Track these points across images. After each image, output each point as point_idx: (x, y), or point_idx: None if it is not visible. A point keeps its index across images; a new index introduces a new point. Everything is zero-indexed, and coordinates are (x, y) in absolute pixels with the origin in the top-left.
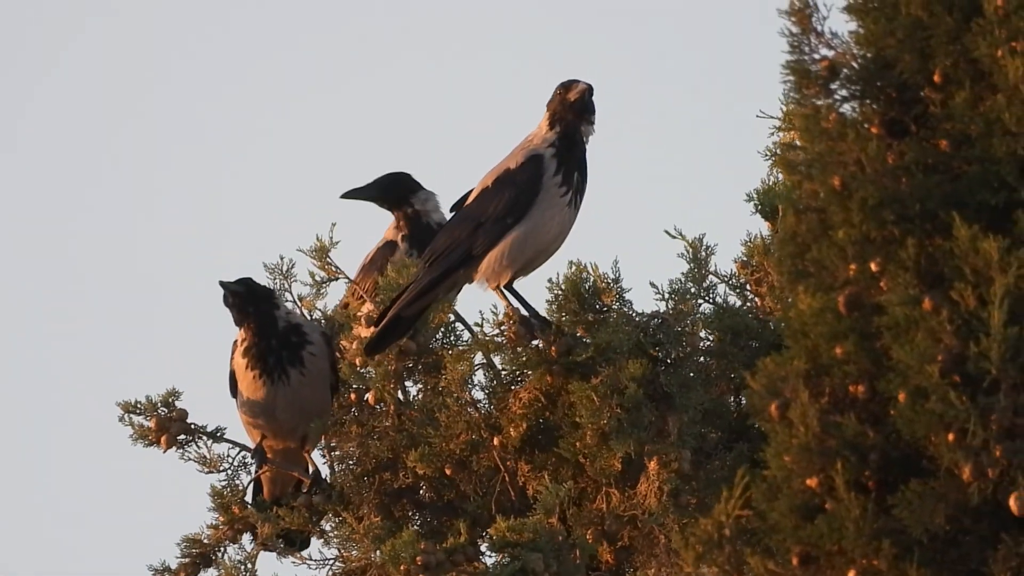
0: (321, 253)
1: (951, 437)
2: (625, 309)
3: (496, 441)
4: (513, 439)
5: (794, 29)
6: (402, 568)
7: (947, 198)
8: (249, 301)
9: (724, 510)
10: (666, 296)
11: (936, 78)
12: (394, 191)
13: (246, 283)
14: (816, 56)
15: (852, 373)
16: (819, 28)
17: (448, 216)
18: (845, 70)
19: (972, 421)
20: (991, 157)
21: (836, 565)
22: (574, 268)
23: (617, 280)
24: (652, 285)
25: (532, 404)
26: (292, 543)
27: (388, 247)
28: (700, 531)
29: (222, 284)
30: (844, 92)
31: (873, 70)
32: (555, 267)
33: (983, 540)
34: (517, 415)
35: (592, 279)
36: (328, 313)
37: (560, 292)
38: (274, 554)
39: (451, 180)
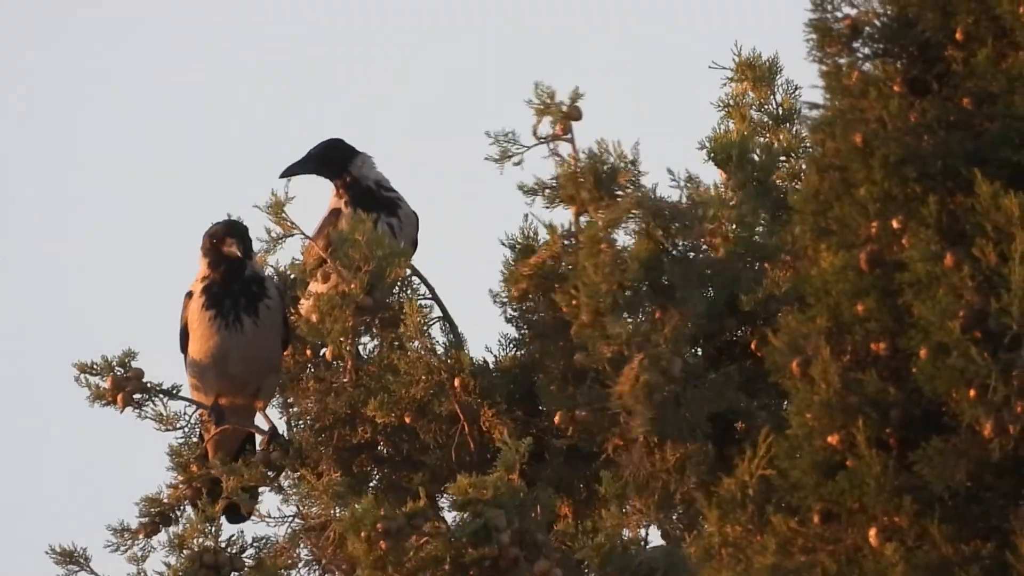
0: (277, 208)
1: (972, 393)
2: (639, 192)
3: (457, 383)
4: (513, 295)
5: None
6: (363, 535)
7: (969, 155)
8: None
9: (748, 469)
10: (681, 184)
11: (958, 36)
12: (330, 161)
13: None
14: (839, 14)
15: (874, 330)
16: None
17: (384, 175)
18: (868, 28)
19: (993, 377)
20: (1013, 114)
21: (857, 522)
22: (596, 146)
23: (635, 162)
24: (669, 172)
25: (540, 267)
26: (235, 512)
27: (334, 215)
28: (723, 490)
29: (229, 224)
30: (866, 50)
31: (895, 28)
32: None
33: (1004, 496)
34: (523, 276)
35: (613, 158)
36: (280, 269)
37: (579, 169)
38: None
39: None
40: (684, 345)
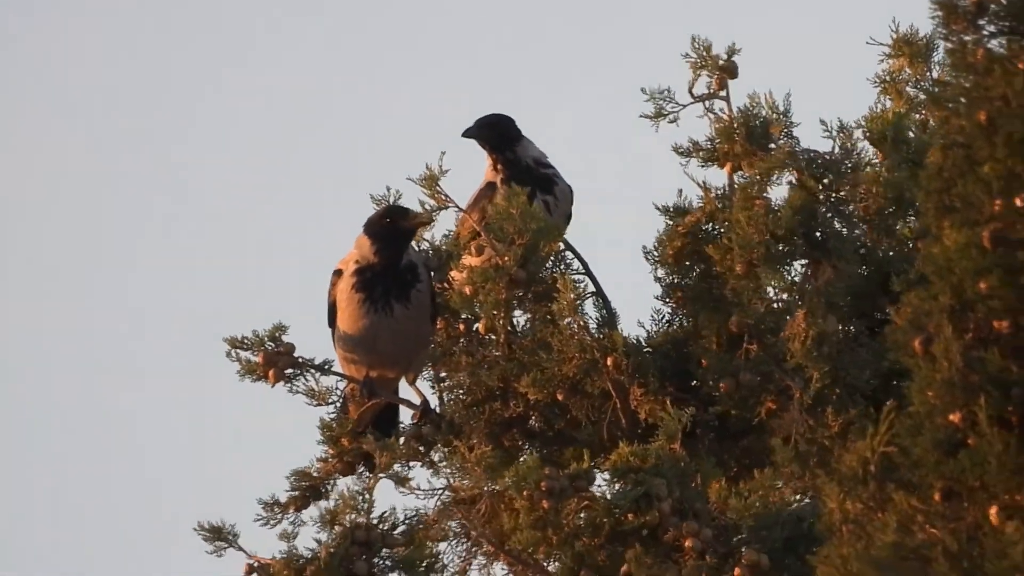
0: (431, 182)
1: None
2: (791, 144)
3: (610, 362)
4: (668, 254)
5: None
6: (525, 494)
7: None
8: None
9: (870, 446)
10: (834, 135)
11: None
12: (500, 135)
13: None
14: None
15: (996, 308)
16: None
17: (541, 151)
18: (993, 6)
19: None
20: None
21: (978, 500)
22: (748, 100)
23: (787, 113)
24: (822, 122)
25: (694, 226)
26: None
27: (489, 188)
28: (845, 467)
29: (407, 210)
30: (992, 28)
31: (1022, 5)
32: None
33: None
34: (678, 234)
35: (765, 110)
36: (435, 244)
37: (733, 124)
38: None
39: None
40: (839, 304)
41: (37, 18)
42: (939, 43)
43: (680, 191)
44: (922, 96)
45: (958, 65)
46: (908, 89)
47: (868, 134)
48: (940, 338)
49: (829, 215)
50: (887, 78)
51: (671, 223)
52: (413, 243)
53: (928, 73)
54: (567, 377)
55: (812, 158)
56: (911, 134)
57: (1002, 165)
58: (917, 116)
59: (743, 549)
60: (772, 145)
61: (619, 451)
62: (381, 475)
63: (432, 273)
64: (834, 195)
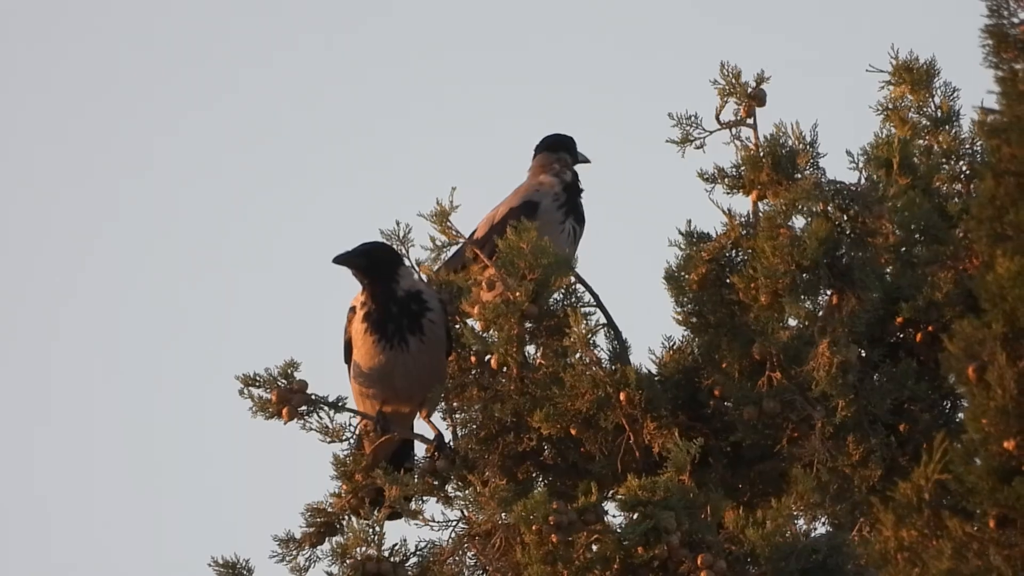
0: (442, 217)
1: None
2: (818, 175)
3: (623, 397)
4: (692, 280)
5: None
6: (534, 528)
7: None
8: (371, 270)
9: (923, 473)
10: (860, 165)
11: None
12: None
13: (367, 252)
14: (1015, 20)
15: None
16: None
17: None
18: None
19: None
20: None
21: None
22: (775, 129)
23: (814, 144)
24: (848, 154)
25: (717, 253)
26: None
27: (527, 207)
28: (899, 494)
29: (340, 259)
30: None
31: None
32: None
33: None
34: (702, 260)
35: (791, 141)
36: (447, 278)
37: (760, 152)
38: (401, 518)
39: None
40: (860, 333)
41: None
42: (940, 69)
43: (689, 221)
44: (925, 122)
45: (1009, 93)
46: (911, 115)
47: (871, 162)
48: (994, 366)
49: (854, 246)
50: (889, 105)
51: (692, 250)
52: (415, 273)
53: (931, 99)
54: (580, 412)
55: (838, 189)
56: (916, 160)
57: None
58: (921, 142)
59: None
60: (798, 175)
61: (627, 484)
62: (390, 508)
63: (445, 306)
64: (859, 226)
